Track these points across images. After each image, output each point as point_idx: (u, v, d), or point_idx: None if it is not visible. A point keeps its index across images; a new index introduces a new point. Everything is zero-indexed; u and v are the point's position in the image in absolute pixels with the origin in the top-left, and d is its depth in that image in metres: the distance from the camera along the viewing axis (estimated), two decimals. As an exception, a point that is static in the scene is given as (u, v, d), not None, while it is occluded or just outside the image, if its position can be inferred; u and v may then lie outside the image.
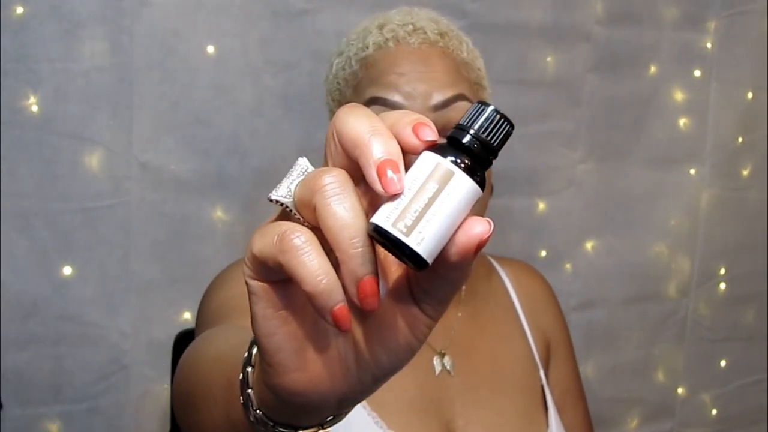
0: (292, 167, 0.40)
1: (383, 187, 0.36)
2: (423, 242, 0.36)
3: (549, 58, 1.47)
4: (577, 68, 1.49)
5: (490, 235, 0.36)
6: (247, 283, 0.39)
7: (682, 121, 1.60)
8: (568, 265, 1.56)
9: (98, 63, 1.20)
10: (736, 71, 1.60)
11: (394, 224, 0.36)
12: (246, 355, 0.45)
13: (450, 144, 0.39)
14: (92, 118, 1.21)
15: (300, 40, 1.30)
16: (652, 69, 1.56)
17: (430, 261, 0.36)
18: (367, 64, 0.84)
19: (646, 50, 1.54)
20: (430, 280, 0.38)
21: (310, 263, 0.35)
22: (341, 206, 0.36)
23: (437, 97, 0.79)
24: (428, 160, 0.37)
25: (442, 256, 0.37)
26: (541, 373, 0.95)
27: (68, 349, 1.25)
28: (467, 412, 0.86)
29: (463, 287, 0.94)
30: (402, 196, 0.36)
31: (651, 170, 1.59)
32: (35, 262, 1.22)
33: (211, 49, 1.26)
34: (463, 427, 0.85)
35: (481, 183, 0.37)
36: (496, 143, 0.39)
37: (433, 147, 0.38)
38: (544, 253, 1.54)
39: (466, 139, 0.38)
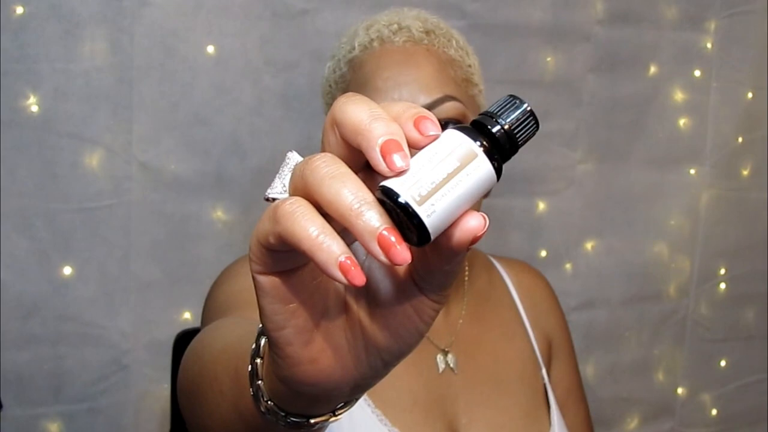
0: (282, 164, 0.40)
1: (388, 166, 0.35)
2: (433, 215, 0.35)
3: (549, 58, 1.47)
4: (577, 68, 1.49)
5: (485, 231, 0.36)
6: (254, 279, 0.39)
7: (682, 121, 1.60)
8: (568, 265, 1.56)
9: (98, 63, 1.20)
10: (736, 71, 1.60)
11: (407, 190, 0.35)
12: (254, 346, 0.45)
13: (475, 128, 0.38)
14: (92, 118, 1.21)
15: (300, 40, 1.30)
16: (652, 69, 1.55)
17: (432, 237, 0.35)
18: (354, 66, 0.84)
19: (646, 50, 1.54)
20: (426, 271, 0.38)
21: (304, 222, 0.34)
22: (334, 178, 0.35)
23: (423, 100, 0.79)
24: (453, 137, 0.36)
25: (437, 246, 0.36)
26: (543, 372, 0.96)
27: (68, 349, 1.25)
28: (470, 410, 0.86)
29: (466, 287, 0.95)
30: (417, 168, 0.35)
31: (651, 170, 1.58)
32: (35, 262, 1.22)
33: (211, 49, 1.26)
34: (466, 425, 0.85)
35: (498, 172, 0.37)
36: (521, 140, 0.38)
37: (458, 126, 0.37)
38: (544, 253, 1.54)
39: (495, 128, 0.38)
